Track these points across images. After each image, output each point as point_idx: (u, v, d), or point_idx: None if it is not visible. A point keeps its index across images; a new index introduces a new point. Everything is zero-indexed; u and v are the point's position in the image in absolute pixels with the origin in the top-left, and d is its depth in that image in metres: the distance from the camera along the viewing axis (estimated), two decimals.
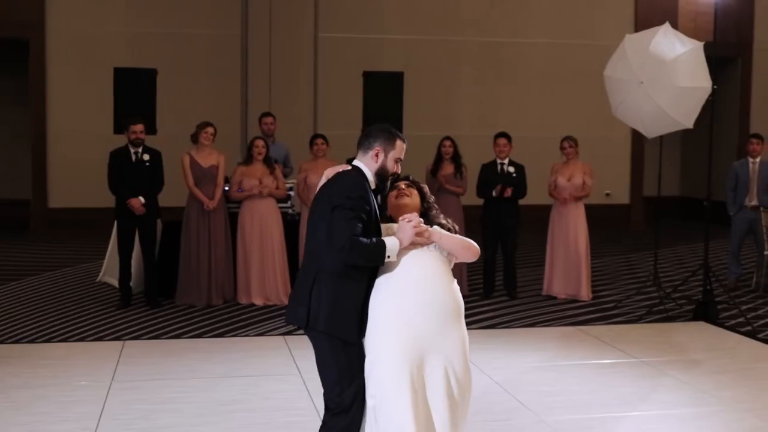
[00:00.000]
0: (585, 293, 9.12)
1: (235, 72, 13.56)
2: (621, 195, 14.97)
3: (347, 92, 13.74)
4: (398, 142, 4.01)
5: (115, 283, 9.21)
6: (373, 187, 4.01)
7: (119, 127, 12.32)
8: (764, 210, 9.54)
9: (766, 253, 9.51)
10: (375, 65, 13.86)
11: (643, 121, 8.32)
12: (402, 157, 4.05)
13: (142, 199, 8.37)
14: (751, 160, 9.77)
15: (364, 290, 3.90)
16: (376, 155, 3.97)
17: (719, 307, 8.43)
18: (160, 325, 7.91)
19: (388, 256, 3.82)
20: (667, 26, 8.29)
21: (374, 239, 3.82)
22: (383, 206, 4.16)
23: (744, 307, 8.58)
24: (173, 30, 13.43)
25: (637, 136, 14.65)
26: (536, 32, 14.43)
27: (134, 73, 13.19)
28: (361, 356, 3.89)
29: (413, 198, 4.12)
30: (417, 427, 3.73)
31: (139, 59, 13.28)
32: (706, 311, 8.28)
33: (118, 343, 7.26)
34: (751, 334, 7.75)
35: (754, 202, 9.69)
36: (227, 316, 8.28)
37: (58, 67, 13.25)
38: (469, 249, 4.04)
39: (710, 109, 8.30)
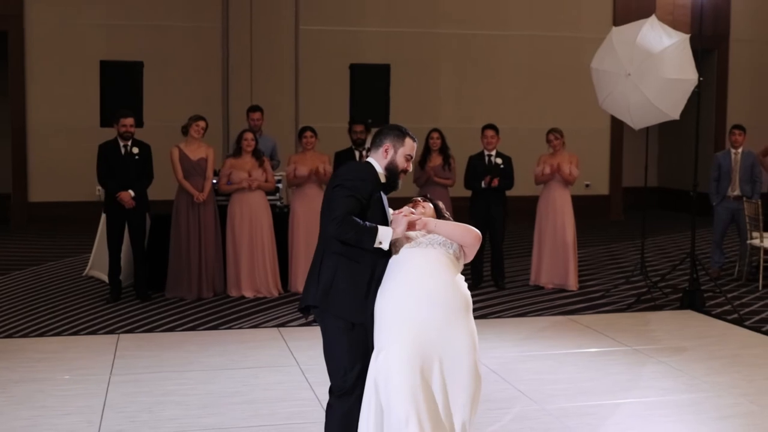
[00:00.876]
0: (572, 283, 9.22)
1: (216, 65, 13.49)
2: (600, 186, 15.09)
3: (332, 85, 13.72)
4: (408, 140, 4.20)
5: (103, 276, 9.17)
6: (383, 180, 4.16)
7: (106, 121, 12.27)
8: (747, 200, 9.69)
9: (749, 242, 9.65)
10: (359, 58, 13.86)
11: (630, 112, 8.41)
12: (412, 154, 4.23)
13: (131, 192, 8.34)
14: (733, 150, 9.91)
15: (368, 273, 4.01)
16: (386, 151, 4.16)
17: (705, 295, 8.55)
18: (152, 319, 7.88)
19: (380, 242, 3.95)
20: (653, 19, 8.39)
21: (368, 222, 3.94)
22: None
23: (729, 296, 8.72)
24: (154, 22, 13.31)
25: (616, 128, 14.78)
26: (518, 25, 14.49)
27: (121, 66, 13.10)
28: (367, 342, 3.99)
29: (427, 210, 4.29)
30: (419, 422, 3.77)
31: (120, 52, 13.17)
32: (692, 300, 8.40)
33: (112, 337, 7.24)
34: (738, 322, 7.89)
35: (737, 192, 9.83)
36: (218, 309, 8.27)
37: (38, 59, 13.09)
38: (469, 231, 4.17)
39: (695, 100, 8.41)
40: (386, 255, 4.06)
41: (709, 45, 14.89)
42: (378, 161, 4.15)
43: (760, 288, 9.32)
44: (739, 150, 9.88)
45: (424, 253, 4.04)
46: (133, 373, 6.23)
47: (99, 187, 12.19)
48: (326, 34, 13.76)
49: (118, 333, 7.37)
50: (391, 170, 4.15)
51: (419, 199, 4.39)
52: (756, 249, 9.57)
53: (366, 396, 3.94)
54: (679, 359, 6.70)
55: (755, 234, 9.53)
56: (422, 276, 3.98)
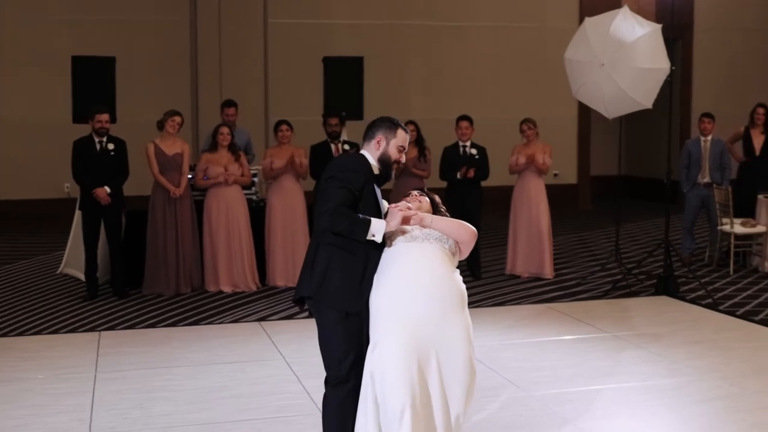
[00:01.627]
0: (548, 271, 9.33)
1: (185, 60, 13.41)
2: (569, 175, 15.23)
3: (305, 78, 13.68)
4: (399, 131, 4.24)
5: (78, 274, 9.10)
6: (376, 172, 4.19)
7: (78, 117, 12.13)
8: (717, 187, 9.86)
9: (719, 228, 9.83)
10: (330, 51, 13.84)
11: (604, 102, 8.51)
12: (405, 146, 4.27)
13: (107, 188, 8.29)
14: (702, 138, 10.07)
15: (362, 264, 4.04)
16: (378, 143, 4.20)
17: (678, 281, 8.70)
18: (131, 315, 7.85)
19: (373, 235, 3.97)
20: (626, 9, 8.51)
21: (361, 215, 3.97)
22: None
23: (702, 281, 8.88)
24: (123, 17, 13.20)
25: (583, 117, 14.92)
26: (486, 16, 14.55)
27: (93, 62, 12.98)
28: (361, 331, 4.03)
29: (424, 205, 4.32)
30: (414, 416, 3.81)
31: (92, 48, 13.05)
32: (667, 286, 8.55)
33: (93, 334, 7.20)
34: (712, 306, 8.05)
35: (707, 179, 10.00)
36: (197, 305, 8.25)
37: (4, 53, 12.92)
38: (464, 228, 4.19)
39: (666, 89, 8.54)
40: (380, 246, 4.08)
41: (673, 34, 15.06)
42: (371, 153, 4.18)
43: (731, 273, 9.50)
44: (709, 138, 10.04)
45: (421, 247, 4.06)
46: (119, 370, 6.21)
47: (68, 184, 12.14)
48: (296, 27, 13.72)
49: (99, 330, 7.33)
50: (384, 162, 4.19)
51: (416, 193, 4.40)
52: (726, 234, 9.74)
53: (363, 389, 3.97)
54: (657, 344, 6.82)
55: (725, 220, 9.71)
56: (419, 270, 4.00)
